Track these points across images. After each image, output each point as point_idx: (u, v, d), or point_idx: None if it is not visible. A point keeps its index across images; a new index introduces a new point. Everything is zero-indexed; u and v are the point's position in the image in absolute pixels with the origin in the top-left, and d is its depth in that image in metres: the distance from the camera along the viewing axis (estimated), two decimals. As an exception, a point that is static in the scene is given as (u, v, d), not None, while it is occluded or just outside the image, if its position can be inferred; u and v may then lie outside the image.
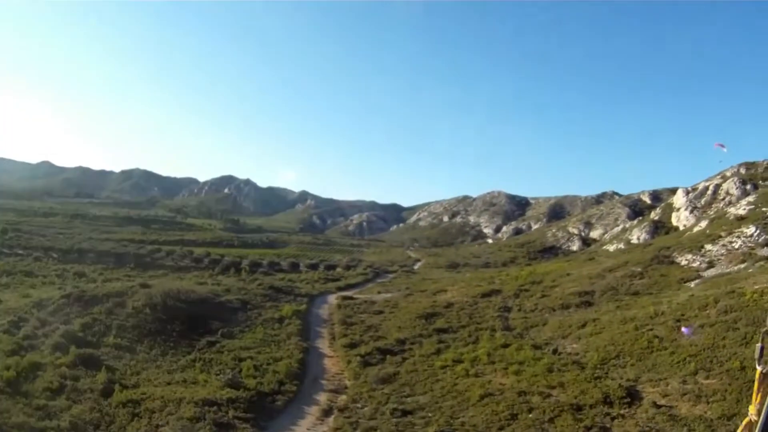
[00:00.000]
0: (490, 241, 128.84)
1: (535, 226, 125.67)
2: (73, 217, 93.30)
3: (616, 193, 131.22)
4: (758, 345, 1.67)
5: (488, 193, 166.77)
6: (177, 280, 45.98)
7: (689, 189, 72.94)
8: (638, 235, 69.47)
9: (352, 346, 31.35)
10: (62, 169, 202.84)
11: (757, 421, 1.75)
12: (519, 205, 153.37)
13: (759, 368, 1.67)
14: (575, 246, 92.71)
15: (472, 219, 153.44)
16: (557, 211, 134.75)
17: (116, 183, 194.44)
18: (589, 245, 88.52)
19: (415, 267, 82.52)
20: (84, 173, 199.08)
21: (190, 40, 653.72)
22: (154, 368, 28.11)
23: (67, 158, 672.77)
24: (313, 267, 68.61)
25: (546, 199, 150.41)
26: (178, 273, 57.26)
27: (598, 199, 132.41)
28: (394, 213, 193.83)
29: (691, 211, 66.73)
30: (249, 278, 50.86)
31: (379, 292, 48.56)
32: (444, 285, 50.50)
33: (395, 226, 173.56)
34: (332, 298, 45.62)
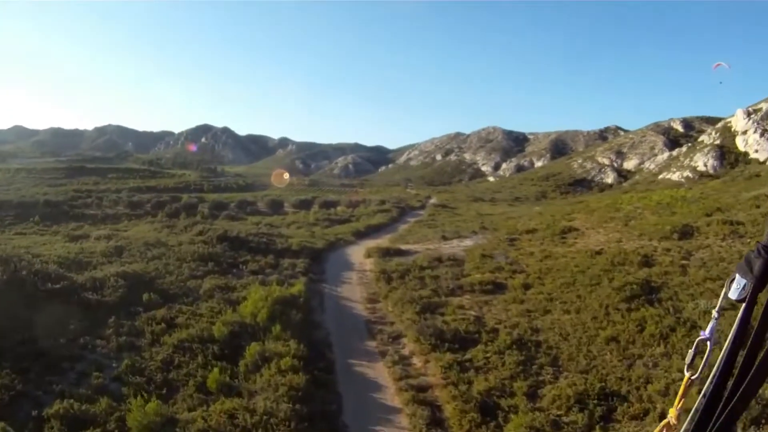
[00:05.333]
0: (491, 179, 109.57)
1: (538, 163, 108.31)
2: (17, 172, 64.89)
3: (620, 128, 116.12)
4: (691, 351, 1.65)
5: (483, 129, 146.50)
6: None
7: (750, 110, 62.61)
8: (704, 161, 60.48)
9: None
10: (34, 132, 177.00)
11: (676, 425, 1.75)
12: (517, 141, 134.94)
13: (687, 374, 1.67)
14: (610, 178, 77.88)
15: (467, 156, 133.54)
16: (560, 146, 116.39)
17: (90, 141, 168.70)
18: (625, 177, 76.53)
19: (430, 203, 60.85)
20: (56, 134, 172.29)
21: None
22: None
23: (40, 121, 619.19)
24: (304, 205, 42.60)
25: (545, 135, 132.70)
26: (101, 224, 31.81)
27: (602, 134, 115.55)
28: (380, 155, 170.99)
29: (762, 135, 58.11)
30: (186, 224, 24.51)
31: (444, 238, 22.76)
32: (551, 222, 25.05)
33: (383, 168, 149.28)
34: (357, 254, 20.10)
